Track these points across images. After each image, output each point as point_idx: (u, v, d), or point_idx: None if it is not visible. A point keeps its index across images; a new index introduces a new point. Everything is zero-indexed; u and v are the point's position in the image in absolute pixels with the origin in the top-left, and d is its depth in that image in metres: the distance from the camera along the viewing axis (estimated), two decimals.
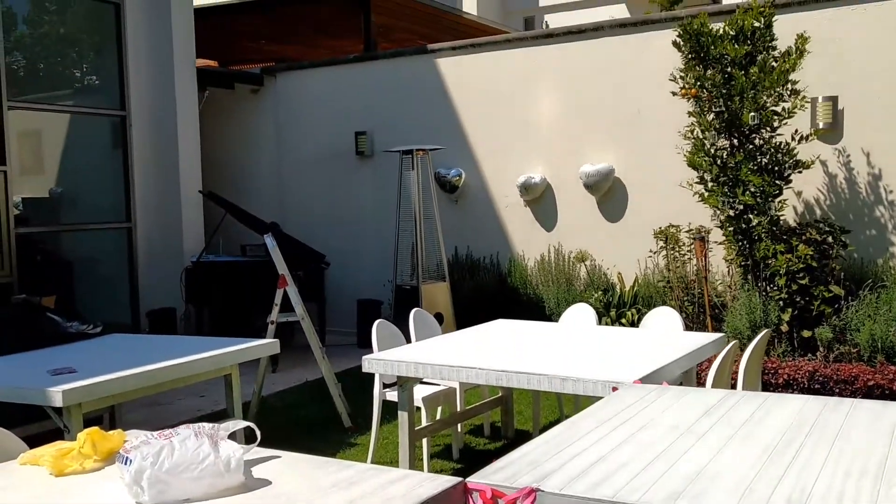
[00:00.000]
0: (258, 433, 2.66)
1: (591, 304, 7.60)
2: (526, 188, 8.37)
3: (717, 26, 6.29)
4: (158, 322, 8.57)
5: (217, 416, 5.52)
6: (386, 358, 4.37)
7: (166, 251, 9.13)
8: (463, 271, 8.48)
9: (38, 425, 4.35)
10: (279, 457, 2.69)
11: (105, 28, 8.99)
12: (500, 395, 5.34)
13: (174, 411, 6.17)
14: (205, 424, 2.49)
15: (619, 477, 2.32)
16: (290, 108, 9.95)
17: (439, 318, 7.59)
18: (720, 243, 6.80)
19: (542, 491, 2.26)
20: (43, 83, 8.77)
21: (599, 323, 5.69)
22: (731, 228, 6.27)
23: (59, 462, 2.58)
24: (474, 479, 2.38)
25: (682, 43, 6.26)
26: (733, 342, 4.08)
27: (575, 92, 8.19)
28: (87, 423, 3.34)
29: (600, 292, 7.62)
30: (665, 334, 4.77)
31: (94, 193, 9.18)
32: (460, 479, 2.42)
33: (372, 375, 4.70)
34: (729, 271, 6.93)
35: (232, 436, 2.52)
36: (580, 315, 5.52)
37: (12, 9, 8.26)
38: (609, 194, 8.04)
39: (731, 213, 6.27)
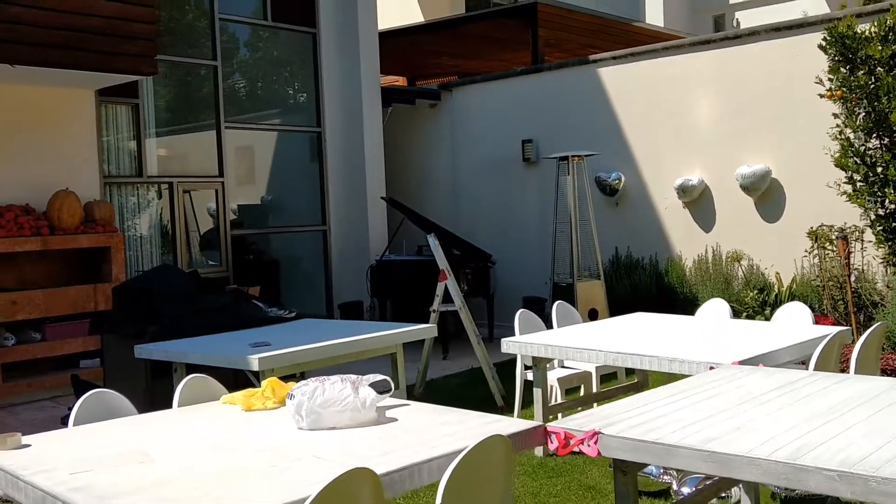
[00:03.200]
0: (392, 386, 3.40)
1: (747, 303, 7.80)
2: (684, 190, 8.65)
3: (865, 27, 6.33)
4: (348, 313, 9.69)
5: None
6: (521, 341, 5.01)
7: (355, 251, 10.27)
8: (620, 271, 8.89)
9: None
10: (409, 405, 3.42)
11: (303, 54, 10.28)
12: (635, 380, 5.78)
13: None
14: (351, 375, 3.26)
15: (669, 428, 2.82)
16: (464, 119, 10.79)
17: (594, 314, 8.08)
18: (872, 243, 6.79)
19: (603, 434, 2.81)
20: (252, 105, 10.20)
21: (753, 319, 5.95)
22: (881, 228, 6.29)
23: (248, 401, 3.45)
24: (553, 425, 2.97)
25: (827, 46, 6.37)
26: (842, 330, 4.31)
27: (731, 95, 8.38)
28: None
29: (756, 291, 7.78)
30: (790, 327, 5.01)
31: (295, 200, 10.51)
32: (541, 423, 3.02)
33: None
34: (886, 270, 6.89)
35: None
36: (715, 309, 5.83)
37: (229, 40, 9.70)
38: (766, 195, 8.15)
39: (882, 212, 6.29)
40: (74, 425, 3.26)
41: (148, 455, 2.75)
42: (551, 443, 2.95)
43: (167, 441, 2.95)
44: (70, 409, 5.25)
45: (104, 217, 7.68)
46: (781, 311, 5.47)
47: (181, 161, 9.45)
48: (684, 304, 8.25)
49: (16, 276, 7.34)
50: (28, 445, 2.90)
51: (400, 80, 15.31)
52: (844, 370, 4.40)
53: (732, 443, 2.59)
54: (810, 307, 7.29)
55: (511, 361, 7.65)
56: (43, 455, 2.78)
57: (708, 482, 3.74)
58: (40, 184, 7.50)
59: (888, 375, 5.70)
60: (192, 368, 4.54)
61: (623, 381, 5.89)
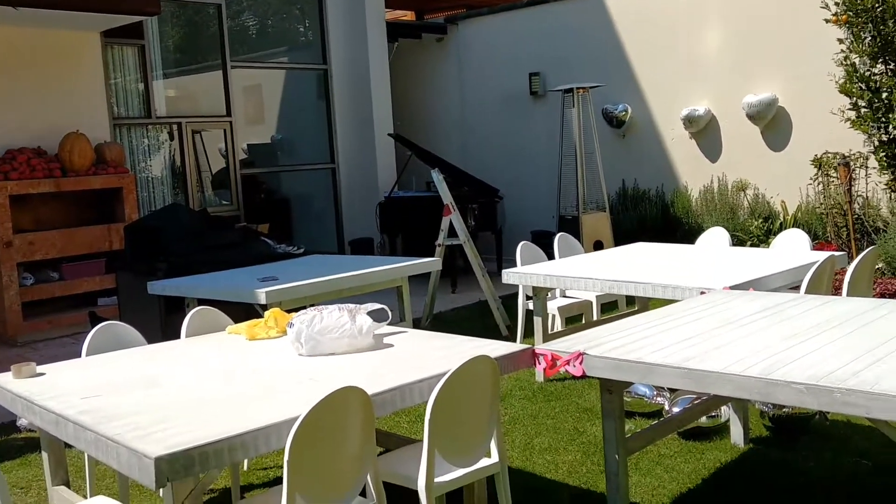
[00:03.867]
0: (389, 314, 3.53)
1: (752, 232, 7.85)
2: (690, 120, 8.61)
3: None
4: (359, 249, 9.82)
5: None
6: (522, 271, 5.12)
7: (364, 188, 10.35)
8: (627, 203, 8.93)
9: None
10: (406, 332, 3.55)
11: None
12: (636, 308, 5.89)
13: None
14: (349, 304, 3.39)
15: (651, 348, 2.93)
16: (471, 53, 10.72)
17: (599, 245, 8.17)
18: (876, 169, 6.78)
19: (587, 354, 2.93)
20: (258, 43, 10.18)
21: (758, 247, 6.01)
22: (883, 154, 6.28)
23: (252, 331, 3.60)
24: (540, 347, 3.09)
25: None
26: (832, 255, 4.38)
27: (738, 24, 8.27)
28: None
29: (761, 220, 7.82)
30: (787, 253, 5.08)
31: (303, 139, 10.56)
32: (529, 346, 3.14)
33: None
34: (890, 197, 6.89)
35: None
36: (715, 237, 5.90)
37: None
38: (772, 124, 8.11)
39: (885, 138, 6.27)
40: (87, 356, 3.43)
41: (154, 381, 2.91)
42: (539, 364, 3.08)
43: (173, 369, 3.10)
44: None
45: (115, 158, 7.79)
46: (780, 238, 5.53)
47: (189, 101, 9.50)
48: (690, 234, 8.29)
49: (32, 218, 7.51)
50: (42, 374, 3.07)
51: (408, 15, 15.12)
52: (838, 294, 4.48)
53: (709, 361, 2.71)
54: (814, 235, 7.37)
55: (517, 294, 7.80)
56: (56, 382, 2.94)
57: (697, 402, 3.87)
58: (51, 126, 7.61)
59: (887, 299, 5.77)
60: (203, 303, 4.69)
61: (623, 309, 6.01)
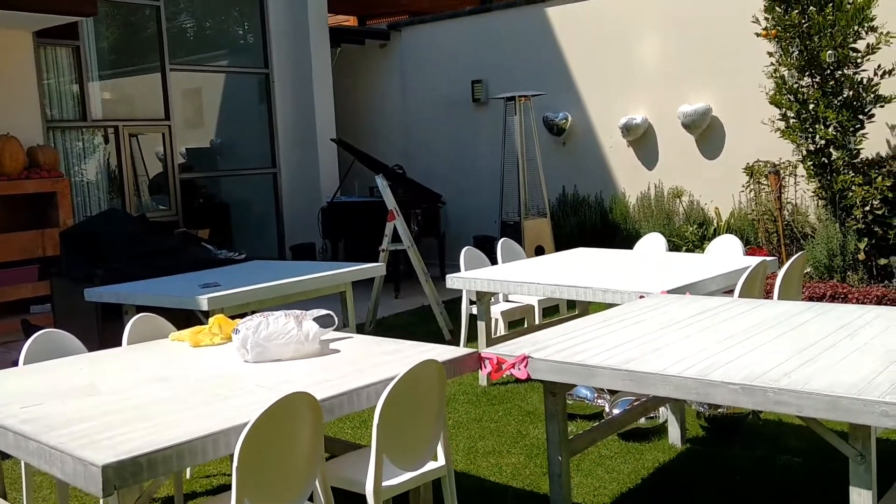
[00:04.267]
0: (336, 320, 3.54)
1: (687, 238, 8.07)
2: (628, 129, 8.82)
3: None
4: (300, 254, 9.76)
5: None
6: (466, 276, 5.18)
7: (306, 193, 10.29)
8: (567, 209, 9.09)
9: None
10: (351, 337, 3.57)
11: None
12: (576, 312, 6.01)
13: None
14: (295, 310, 3.39)
15: (593, 351, 3.01)
16: (414, 59, 10.77)
17: (540, 251, 8.29)
18: (804, 178, 7.05)
19: (532, 357, 2.99)
20: (198, 46, 10.03)
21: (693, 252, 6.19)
22: (811, 163, 6.54)
23: (196, 338, 3.57)
24: (486, 350, 3.15)
25: None
26: (764, 260, 4.55)
27: (674, 34, 8.51)
28: None
29: (696, 226, 8.05)
30: (721, 258, 5.26)
31: (244, 143, 10.45)
32: (475, 350, 3.19)
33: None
34: (816, 204, 7.17)
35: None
36: (653, 243, 6.06)
37: None
38: (707, 133, 8.36)
39: (812, 147, 6.53)
40: (25, 363, 3.35)
41: (96, 388, 2.87)
42: (484, 368, 3.13)
43: (115, 376, 3.06)
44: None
45: (48, 162, 7.59)
46: (714, 244, 5.71)
47: (126, 104, 9.31)
48: (628, 240, 8.49)
49: None
50: None
51: (350, 20, 15.11)
52: (769, 297, 4.65)
53: (649, 363, 2.80)
54: (746, 240, 7.61)
55: (459, 299, 7.86)
56: None
57: (636, 403, 3.98)
58: None
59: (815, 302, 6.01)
60: (142, 310, 4.62)
61: (564, 314, 6.12)
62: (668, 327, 3.33)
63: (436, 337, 6.56)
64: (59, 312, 6.05)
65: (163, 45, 9.12)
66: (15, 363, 5.28)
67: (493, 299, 5.58)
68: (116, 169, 8.87)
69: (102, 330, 5.44)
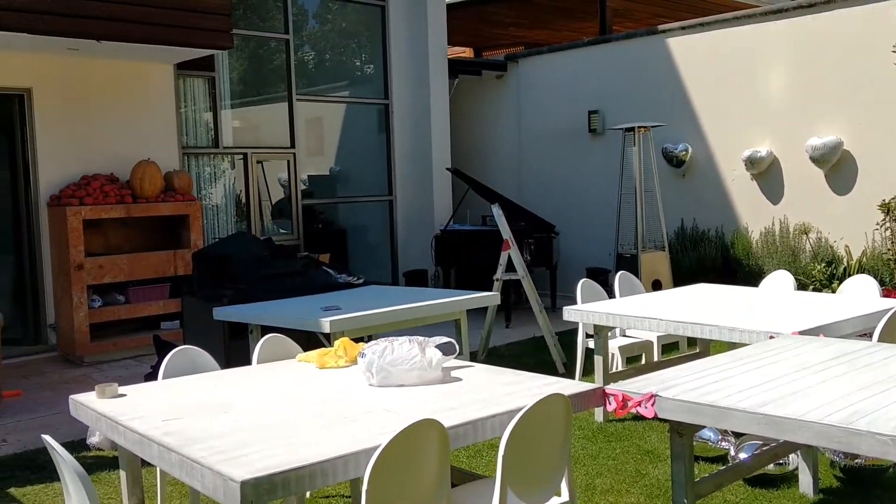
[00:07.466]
0: (457, 348, 3.56)
1: (814, 276, 7.72)
2: (752, 162, 8.54)
3: None
4: (413, 280, 9.90)
5: None
6: (583, 309, 5.11)
7: (420, 220, 10.46)
8: (686, 243, 8.86)
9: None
10: (472, 366, 3.58)
11: (372, 27, 10.43)
12: (696, 350, 5.83)
13: None
14: (418, 337, 3.43)
15: (724, 392, 2.91)
16: (530, 90, 10.81)
17: (657, 285, 8.10)
18: None
19: (660, 396, 2.92)
20: (322, 77, 10.41)
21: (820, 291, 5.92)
22: None
23: (322, 359, 3.66)
24: (611, 387, 3.09)
25: None
26: None
27: (803, 65, 8.21)
28: None
29: (824, 264, 7.69)
30: (855, 299, 4.99)
31: (362, 171, 10.73)
32: (599, 385, 3.14)
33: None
34: None
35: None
36: (780, 281, 5.82)
37: (299, 13, 9.91)
38: (837, 167, 8.00)
39: None
40: (163, 378, 3.52)
41: (231, 405, 2.98)
42: (609, 404, 3.08)
43: (248, 394, 3.17)
44: (152, 367, 5.58)
45: (183, 186, 8.02)
46: (848, 284, 5.44)
47: (254, 132, 9.74)
48: (750, 276, 8.20)
49: (102, 242, 7.75)
50: (124, 395, 3.16)
51: (466, 52, 15.36)
52: None
53: (786, 406, 2.67)
54: (881, 281, 7.21)
55: (572, 331, 7.75)
56: (137, 404, 3.03)
57: (765, 448, 3.81)
58: (124, 154, 7.88)
59: None
60: (266, 330, 4.78)
61: (684, 351, 5.95)
62: (803, 370, 3.18)
63: (549, 368, 6.49)
64: (188, 329, 6.34)
65: (290, 76, 9.51)
66: (147, 377, 5.58)
67: (610, 333, 5.48)
68: (243, 193, 9.27)
69: (228, 347, 5.66)
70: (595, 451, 4.62)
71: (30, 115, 7.58)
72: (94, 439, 4.84)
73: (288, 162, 9.59)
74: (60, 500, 4.08)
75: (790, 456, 3.98)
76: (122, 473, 3.15)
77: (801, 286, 7.52)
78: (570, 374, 6.32)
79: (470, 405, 2.88)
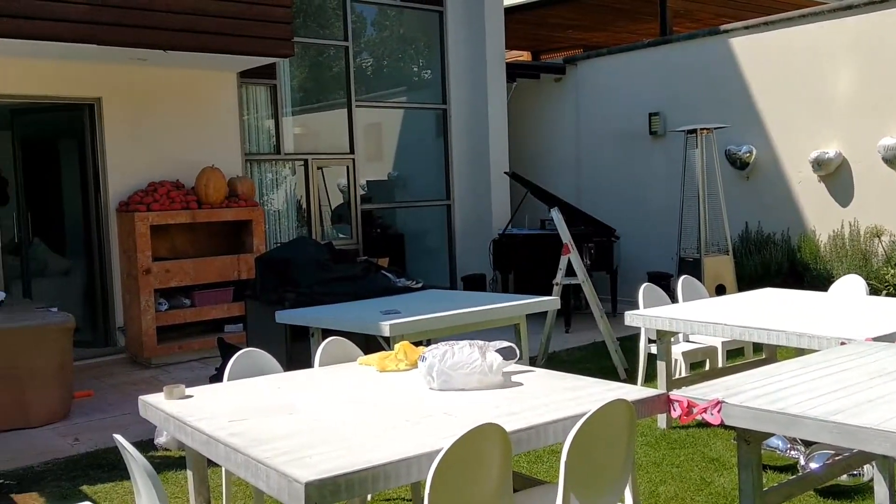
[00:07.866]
0: (518, 352, 3.53)
1: (887, 281, 7.47)
2: (819, 163, 8.31)
3: None
4: (471, 285, 9.89)
5: None
6: (646, 314, 5.04)
7: (478, 225, 10.45)
8: (750, 246, 8.66)
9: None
10: (533, 370, 3.55)
11: (430, 32, 10.48)
12: (763, 356, 5.69)
13: None
14: (478, 341, 3.42)
15: (794, 399, 2.82)
16: (589, 92, 10.72)
17: (721, 290, 7.94)
18: None
19: (726, 402, 2.85)
20: (380, 83, 10.50)
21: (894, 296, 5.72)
22: None
23: (382, 363, 3.68)
24: (676, 393, 3.03)
25: None
26: None
27: (873, 63, 7.96)
28: None
29: None
30: None
31: (420, 176, 10.78)
32: (663, 392, 3.08)
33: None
34: None
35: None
36: (851, 285, 5.64)
37: (357, 20, 10.01)
38: None
39: None
40: (228, 380, 3.59)
41: (294, 407, 3.01)
42: (674, 411, 3.02)
43: (310, 396, 3.21)
44: (217, 369, 5.68)
45: (246, 192, 8.17)
46: None
47: (315, 139, 9.87)
48: (818, 281, 7.97)
49: (168, 247, 7.95)
50: (191, 396, 3.22)
51: (524, 55, 15.30)
52: None
53: (861, 415, 2.59)
54: None
55: (633, 336, 7.63)
56: (203, 405, 3.09)
57: (838, 457, 3.69)
58: (189, 161, 8.06)
59: None
60: (327, 333, 4.83)
61: (750, 357, 5.81)
62: (879, 377, 3.07)
63: (610, 374, 6.41)
64: (251, 332, 6.44)
65: (350, 83, 9.61)
66: (212, 378, 5.69)
67: (673, 339, 5.39)
68: (303, 199, 9.40)
69: (290, 349, 5.74)
70: (658, 458, 4.54)
71: (99, 124, 7.82)
72: (161, 439, 4.96)
73: (347, 167, 9.69)
74: (130, 499, 4.19)
75: (864, 467, 3.85)
76: (189, 473, 3.21)
77: (874, 291, 7.27)
78: (631, 380, 6.23)
79: (532, 410, 2.86)
